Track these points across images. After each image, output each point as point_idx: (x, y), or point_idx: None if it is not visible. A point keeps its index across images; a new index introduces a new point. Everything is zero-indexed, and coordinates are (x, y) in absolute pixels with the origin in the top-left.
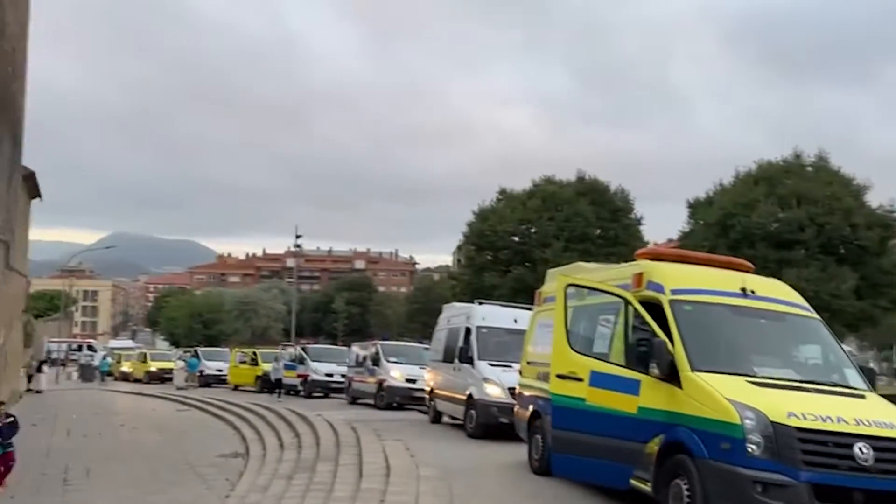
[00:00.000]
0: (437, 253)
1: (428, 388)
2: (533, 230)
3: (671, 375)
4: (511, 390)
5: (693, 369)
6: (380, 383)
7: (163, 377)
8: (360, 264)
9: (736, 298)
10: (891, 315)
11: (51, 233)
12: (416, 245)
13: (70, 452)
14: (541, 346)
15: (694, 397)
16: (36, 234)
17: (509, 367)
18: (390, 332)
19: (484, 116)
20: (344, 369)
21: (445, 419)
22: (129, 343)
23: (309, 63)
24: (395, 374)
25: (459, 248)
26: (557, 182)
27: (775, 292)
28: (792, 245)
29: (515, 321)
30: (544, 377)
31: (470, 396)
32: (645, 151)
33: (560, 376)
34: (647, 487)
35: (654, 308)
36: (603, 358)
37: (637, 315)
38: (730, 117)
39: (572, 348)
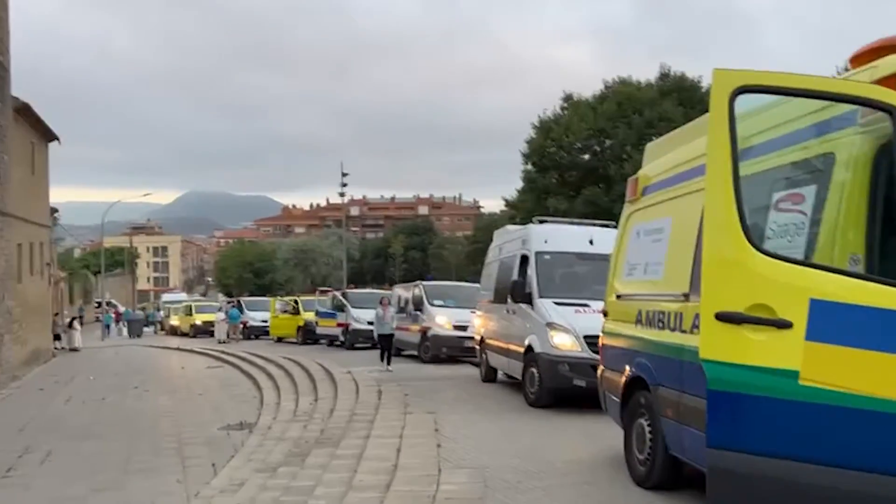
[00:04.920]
0: (503, 197)
1: (477, 337)
2: (606, 142)
3: None
4: (591, 340)
5: None
6: (423, 332)
7: (208, 330)
8: (423, 210)
9: None
10: None
11: (133, 193)
12: (481, 190)
13: (50, 426)
14: (641, 267)
15: None
16: (120, 195)
17: (585, 305)
18: (434, 275)
19: (540, 53)
20: None
21: (501, 376)
22: (182, 296)
23: (358, 9)
24: (441, 320)
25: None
26: (635, 83)
27: None
28: None
29: (592, 243)
30: (651, 320)
31: (529, 349)
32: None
33: (724, 317)
34: None
35: None
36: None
37: None
38: (801, 37)
39: (756, 247)
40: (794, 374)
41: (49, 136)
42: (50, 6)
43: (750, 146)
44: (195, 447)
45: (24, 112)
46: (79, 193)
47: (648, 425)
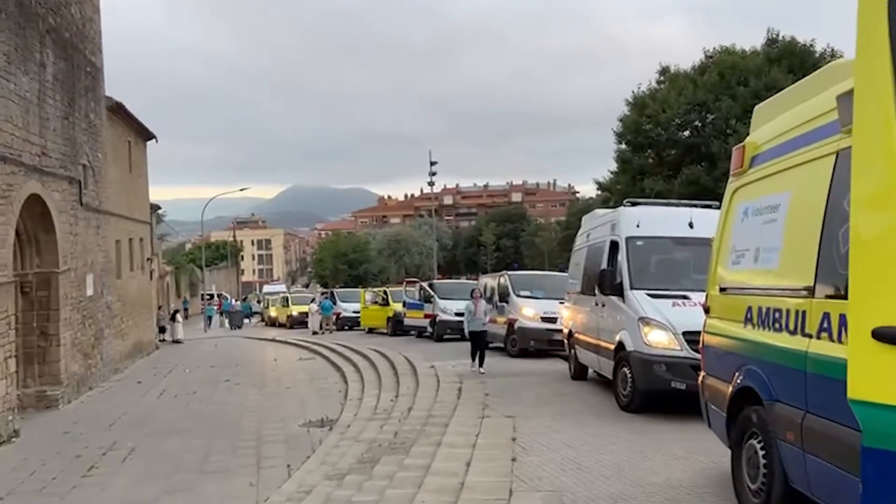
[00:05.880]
0: (594, 179)
1: (565, 331)
2: (708, 116)
3: None
4: (691, 338)
5: None
6: (510, 324)
7: (304, 321)
8: (516, 197)
9: None
10: None
11: (235, 189)
12: (576, 174)
13: (139, 421)
14: (750, 254)
15: None
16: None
17: (684, 298)
18: (526, 263)
19: (633, 32)
20: None
21: (592, 373)
22: (282, 287)
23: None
24: (528, 311)
25: None
26: (738, 51)
27: None
28: None
29: (692, 226)
30: (765, 319)
31: (620, 346)
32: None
33: (889, 336)
34: None
35: None
36: None
37: None
38: None
39: None
40: None
41: (146, 134)
42: (156, 13)
43: None
44: (273, 446)
45: (118, 111)
46: (188, 191)
47: (762, 448)
